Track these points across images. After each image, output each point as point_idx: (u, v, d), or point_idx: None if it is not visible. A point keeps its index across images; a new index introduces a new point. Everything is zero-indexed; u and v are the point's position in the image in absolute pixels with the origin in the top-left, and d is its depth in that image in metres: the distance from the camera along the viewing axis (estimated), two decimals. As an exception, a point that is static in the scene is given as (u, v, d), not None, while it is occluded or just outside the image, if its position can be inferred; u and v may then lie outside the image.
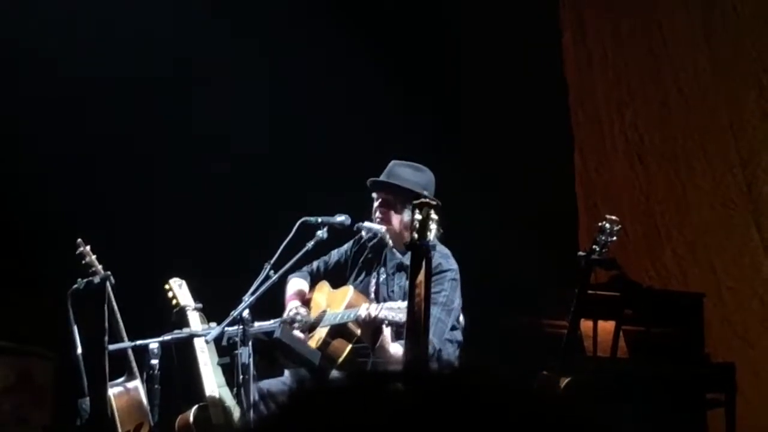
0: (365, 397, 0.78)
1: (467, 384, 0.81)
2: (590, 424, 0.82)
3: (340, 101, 7.35)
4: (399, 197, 5.25)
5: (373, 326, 4.88)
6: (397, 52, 7.45)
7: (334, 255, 5.56)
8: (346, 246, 5.55)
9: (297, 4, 7.51)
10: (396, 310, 4.73)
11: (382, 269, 5.35)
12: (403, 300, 4.76)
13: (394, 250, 5.31)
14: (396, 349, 4.86)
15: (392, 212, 5.27)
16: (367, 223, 5.31)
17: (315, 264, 5.56)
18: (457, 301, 5.16)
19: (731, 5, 6.86)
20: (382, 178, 5.32)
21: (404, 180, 5.27)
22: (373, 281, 5.33)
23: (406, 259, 5.17)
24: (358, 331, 5.06)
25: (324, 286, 5.47)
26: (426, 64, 7.55)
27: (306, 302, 5.43)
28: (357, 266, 5.45)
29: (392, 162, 5.38)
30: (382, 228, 5.26)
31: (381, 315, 4.80)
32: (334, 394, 0.80)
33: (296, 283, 5.51)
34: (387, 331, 4.87)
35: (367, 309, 4.90)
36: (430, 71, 7.58)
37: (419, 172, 5.32)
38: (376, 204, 5.30)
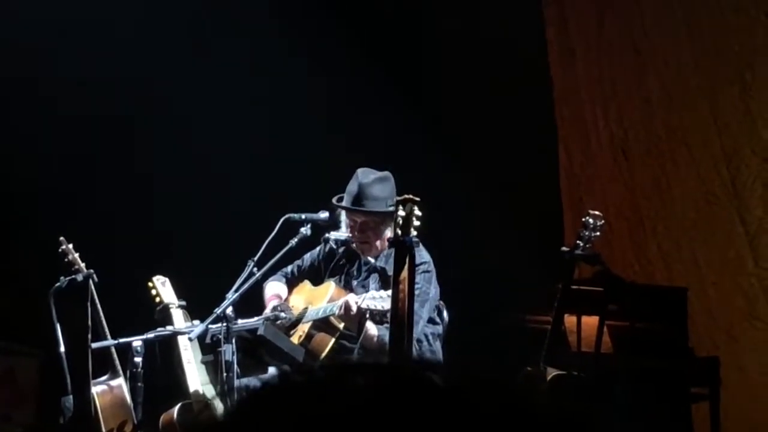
0: (324, 391, 0.76)
1: (432, 377, 0.79)
2: (567, 417, 0.80)
3: (323, 99, 7.35)
4: (376, 219, 5.24)
5: (357, 317, 4.89)
6: (378, 48, 7.43)
7: (307, 258, 5.59)
8: (318, 249, 5.56)
9: (288, 5, 7.48)
10: (378, 299, 4.76)
11: (355, 272, 5.37)
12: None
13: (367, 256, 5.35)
14: (382, 333, 4.87)
15: (371, 234, 5.28)
16: (334, 234, 5.30)
17: (289, 268, 5.59)
18: (433, 291, 5.18)
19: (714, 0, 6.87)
20: (354, 201, 5.24)
21: (378, 200, 5.20)
22: (345, 285, 5.33)
23: (380, 262, 5.21)
24: (341, 325, 5.07)
25: (305, 285, 5.49)
26: (407, 60, 7.54)
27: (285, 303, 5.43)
28: (329, 270, 5.47)
29: (359, 175, 5.27)
30: (350, 235, 5.26)
31: (363, 305, 4.82)
32: (294, 389, 0.79)
33: (274, 287, 5.53)
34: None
35: (349, 300, 4.92)
36: (411, 67, 7.56)
37: (385, 182, 5.27)
38: (351, 224, 5.27)
